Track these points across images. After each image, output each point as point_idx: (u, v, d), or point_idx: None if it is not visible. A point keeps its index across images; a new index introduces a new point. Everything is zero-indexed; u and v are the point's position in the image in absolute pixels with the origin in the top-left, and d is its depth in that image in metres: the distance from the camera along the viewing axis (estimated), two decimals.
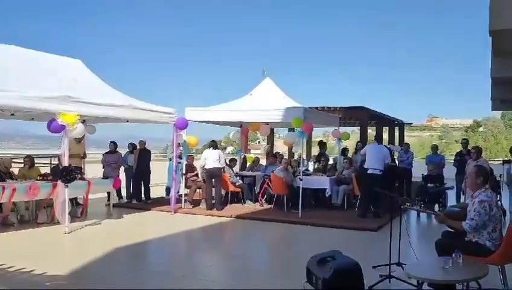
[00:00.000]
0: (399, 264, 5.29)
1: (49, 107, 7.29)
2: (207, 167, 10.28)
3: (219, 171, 10.27)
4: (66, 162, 7.70)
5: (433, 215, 5.06)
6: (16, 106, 7.20)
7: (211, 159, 10.22)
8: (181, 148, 10.42)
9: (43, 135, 9.69)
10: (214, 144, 10.63)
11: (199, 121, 11.40)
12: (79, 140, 10.00)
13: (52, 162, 12.45)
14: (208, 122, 11.95)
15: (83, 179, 8.99)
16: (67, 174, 7.68)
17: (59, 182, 7.71)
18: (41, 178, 8.53)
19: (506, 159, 11.05)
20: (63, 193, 7.64)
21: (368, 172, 9.34)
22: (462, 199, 9.87)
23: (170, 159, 11.60)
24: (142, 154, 11.47)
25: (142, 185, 11.46)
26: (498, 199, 9.44)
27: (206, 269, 5.85)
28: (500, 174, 10.96)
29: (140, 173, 11.37)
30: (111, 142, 11.19)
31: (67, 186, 7.65)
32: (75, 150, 9.71)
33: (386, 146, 10.92)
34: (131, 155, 11.39)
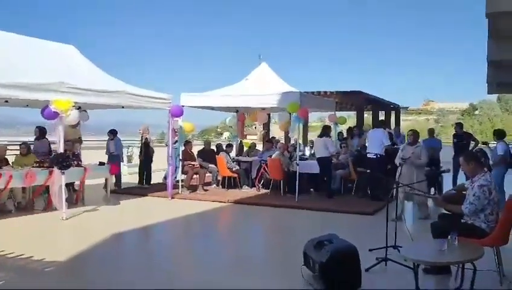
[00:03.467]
0: (395, 247, 5.33)
1: (42, 94, 7.22)
2: (316, 156, 10.24)
3: (324, 160, 9.95)
4: (61, 149, 7.68)
5: (430, 199, 5.10)
6: (8, 95, 7.09)
7: (317, 148, 10.23)
8: (176, 134, 10.37)
9: (38, 122, 9.56)
10: (322, 132, 10.36)
11: (195, 107, 11.36)
12: (74, 125, 9.94)
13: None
14: (204, 107, 11.92)
15: (79, 165, 8.96)
16: (63, 160, 7.66)
17: (55, 169, 7.70)
18: (37, 165, 8.51)
19: (484, 141, 11.08)
20: (60, 180, 7.64)
21: (367, 156, 9.60)
22: (458, 181, 9.92)
23: (167, 145, 11.61)
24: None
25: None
26: None
27: (203, 254, 5.87)
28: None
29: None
30: (37, 127, 10.17)
31: (63, 173, 7.64)
32: (70, 135, 9.65)
33: (387, 129, 10.91)
34: (111, 142, 11.28)
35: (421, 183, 7.13)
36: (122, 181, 11.56)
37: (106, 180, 10.54)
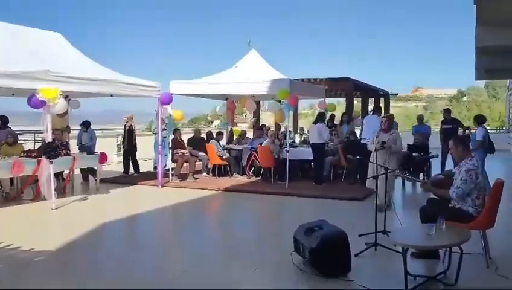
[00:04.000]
0: (384, 232, 5.40)
1: (28, 82, 7.11)
2: (310, 142, 10.30)
3: (319, 146, 10.00)
4: (49, 138, 7.60)
5: (419, 183, 5.17)
6: None
7: (311, 134, 10.24)
8: (166, 122, 10.30)
9: (25, 111, 9.38)
10: (316, 118, 10.37)
11: (184, 95, 11.30)
12: (62, 115, 9.84)
13: (36, 138, 12.28)
14: (193, 95, 11.86)
15: (68, 154, 8.89)
16: (51, 150, 7.59)
17: (43, 158, 7.63)
18: (24, 155, 8.42)
19: (466, 126, 11.33)
20: (48, 169, 7.57)
21: (361, 142, 9.62)
22: (446, 167, 10.05)
23: (155, 134, 11.55)
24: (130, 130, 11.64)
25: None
26: None
27: (194, 240, 5.89)
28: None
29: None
30: None
31: (51, 162, 7.58)
32: (58, 124, 9.55)
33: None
34: (85, 134, 10.98)
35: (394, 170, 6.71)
36: (110, 170, 11.50)
37: (82, 171, 10.37)
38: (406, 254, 3.96)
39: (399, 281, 3.99)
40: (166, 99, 9.91)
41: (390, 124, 7.43)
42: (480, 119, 9.35)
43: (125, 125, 11.83)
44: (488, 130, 9.77)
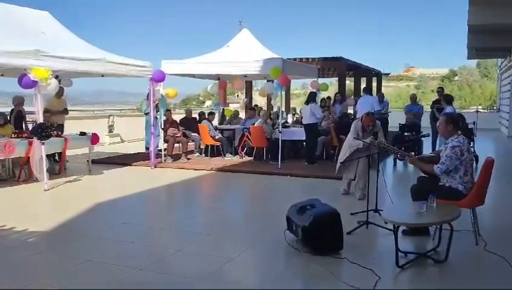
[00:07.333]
0: (376, 210, 5.46)
1: (16, 62, 7.00)
2: (303, 122, 10.32)
3: (311, 126, 10.08)
4: (41, 119, 7.53)
5: (406, 157, 5.22)
6: None
7: (304, 115, 10.25)
8: (157, 102, 10.21)
9: (14, 92, 9.27)
10: (308, 98, 10.39)
11: (176, 75, 11.21)
12: (59, 96, 9.74)
13: (27, 120, 12.14)
14: (184, 75, 11.76)
15: (59, 135, 8.82)
16: (42, 131, 7.52)
17: (35, 140, 7.57)
18: (15, 136, 8.34)
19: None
20: (40, 150, 7.52)
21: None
22: (437, 146, 10.14)
23: (146, 114, 11.47)
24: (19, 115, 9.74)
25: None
26: (471, 145, 9.86)
27: (187, 220, 5.93)
28: (474, 122, 11.28)
29: None
30: None
31: (43, 143, 7.52)
32: (56, 106, 9.45)
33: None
34: None
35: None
36: (102, 151, 11.43)
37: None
38: (397, 232, 4.02)
39: (390, 258, 4.07)
40: (159, 77, 9.83)
41: (374, 125, 6.79)
42: (448, 99, 9.61)
43: (12, 110, 9.67)
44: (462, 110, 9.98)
